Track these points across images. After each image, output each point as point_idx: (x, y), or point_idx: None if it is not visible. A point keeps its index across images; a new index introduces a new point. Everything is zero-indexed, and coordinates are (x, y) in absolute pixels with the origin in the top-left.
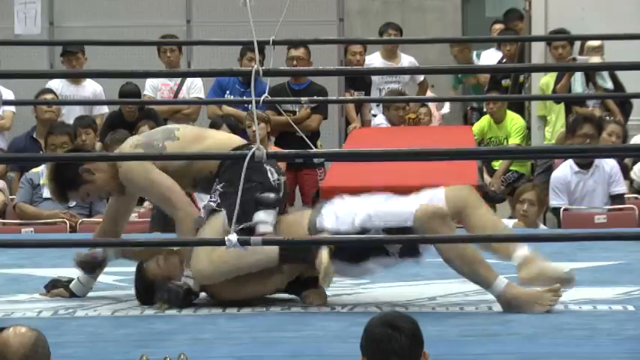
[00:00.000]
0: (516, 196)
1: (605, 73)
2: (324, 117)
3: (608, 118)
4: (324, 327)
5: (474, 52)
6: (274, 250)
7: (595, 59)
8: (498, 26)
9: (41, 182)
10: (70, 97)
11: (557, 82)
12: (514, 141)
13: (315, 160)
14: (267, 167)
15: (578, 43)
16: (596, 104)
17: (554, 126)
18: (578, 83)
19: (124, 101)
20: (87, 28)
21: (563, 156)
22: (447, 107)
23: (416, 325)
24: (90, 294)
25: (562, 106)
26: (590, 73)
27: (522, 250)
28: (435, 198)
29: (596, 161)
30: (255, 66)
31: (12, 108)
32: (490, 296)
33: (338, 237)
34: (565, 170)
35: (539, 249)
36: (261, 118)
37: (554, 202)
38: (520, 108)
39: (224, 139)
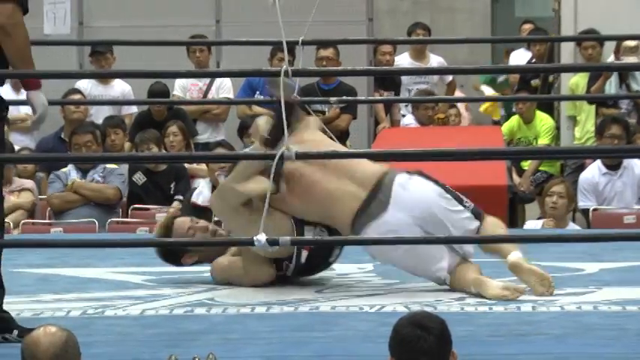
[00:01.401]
0: (545, 190)
1: (638, 75)
2: (354, 117)
3: None
4: (352, 327)
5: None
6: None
7: (631, 59)
8: (528, 26)
9: (68, 183)
10: (99, 97)
11: (590, 82)
12: (543, 141)
13: None
14: None
15: (611, 44)
16: (629, 107)
17: (583, 126)
18: (612, 85)
19: (153, 101)
20: (116, 28)
21: (593, 156)
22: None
23: (444, 324)
24: (118, 293)
25: (592, 106)
26: (624, 74)
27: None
28: None
29: (625, 162)
30: (284, 66)
31: None
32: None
33: (354, 237)
34: (593, 171)
35: (570, 248)
36: None
37: (582, 203)
38: (549, 108)
39: None
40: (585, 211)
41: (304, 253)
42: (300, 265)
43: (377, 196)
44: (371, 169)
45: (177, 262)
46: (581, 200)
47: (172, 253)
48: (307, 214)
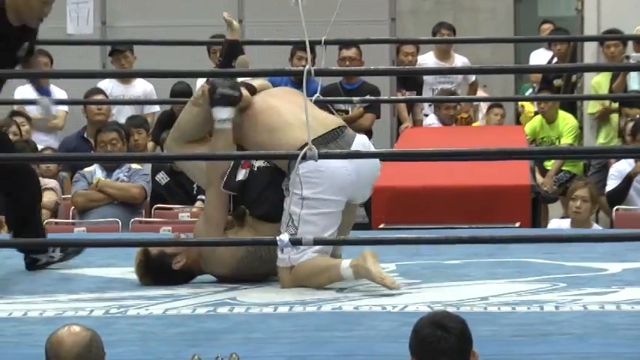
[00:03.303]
0: (569, 193)
1: None
2: (377, 116)
3: None
4: (375, 327)
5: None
6: None
7: None
8: (547, 26)
9: (93, 181)
10: (120, 97)
11: (612, 80)
12: (566, 141)
13: None
14: None
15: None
16: None
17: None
18: (634, 81)
19: (175, 101)
20: (139, 28)
21: (615, 156)
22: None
23: (464, 324)
24: (141, 293)
25: (616, 105)
26: None
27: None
28: None
29: None
30: (307, 66)
31: (65, 107)
32: (542, 296)
33: (357, 238)
34: (625, 165)
35: (593, 249)
36: None
37: (609, 187)
38: (572, 108)
39: None
40: (611, 197)
41: (242, 171)
42: (234, 182)
43: (336, 140)
44: (332, 116)
45: (168, 273)
46: (609, 185)
47: (162, 264)
48: (249, 138)
